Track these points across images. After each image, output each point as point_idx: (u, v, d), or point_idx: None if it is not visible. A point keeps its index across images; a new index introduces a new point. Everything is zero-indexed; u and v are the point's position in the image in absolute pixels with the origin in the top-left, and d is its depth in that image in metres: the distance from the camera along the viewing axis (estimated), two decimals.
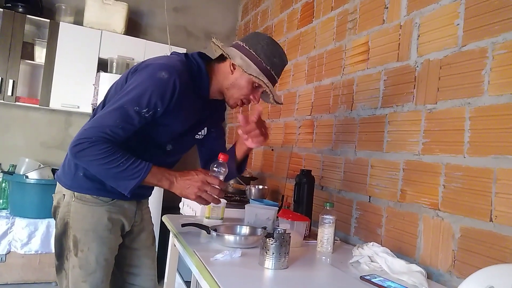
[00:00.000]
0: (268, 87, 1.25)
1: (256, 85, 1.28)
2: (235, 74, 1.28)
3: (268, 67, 1.27)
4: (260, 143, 1.32)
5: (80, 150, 1.09)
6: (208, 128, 1.44)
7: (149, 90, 1.14)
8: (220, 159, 1.28)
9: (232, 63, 1.27)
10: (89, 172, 1.23)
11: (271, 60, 1.27)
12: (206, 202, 1.25)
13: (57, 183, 1.32)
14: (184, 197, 1.24)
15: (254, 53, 1.26)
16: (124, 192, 1.15)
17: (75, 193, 1.25)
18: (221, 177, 1.27)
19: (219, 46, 1.26)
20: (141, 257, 1.45)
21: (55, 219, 1.31)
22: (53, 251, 3.04)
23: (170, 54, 1.34)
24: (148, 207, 1.52)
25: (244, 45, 1.28)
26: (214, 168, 1.27)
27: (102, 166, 1.11)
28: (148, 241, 1.48)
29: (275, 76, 1.30)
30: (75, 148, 1.10)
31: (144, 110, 1.14)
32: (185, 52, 1.33)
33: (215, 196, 1.25)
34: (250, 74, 1.22)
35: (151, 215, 1.55)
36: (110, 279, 1.36)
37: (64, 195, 1.27)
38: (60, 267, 1.29)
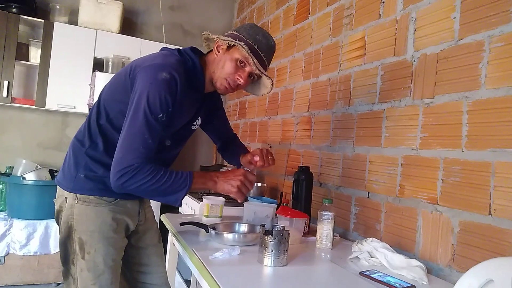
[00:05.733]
0: (244, 49, 1.23)
1: (241, 63, 1.27)
2: (219, 56, 1.30)
3: (250, 41, 1.27)
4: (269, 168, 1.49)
5: (126, 180, 1.10)
6: (208, 119, 1.52)
7: (158, 95, 1.14)
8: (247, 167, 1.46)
9: (216, 47, 1.31)
10: (90, 173, 1.23)
11: (254, 37, 1.28)
12: (243, 196, 1.30)
13: (58, 187, 1.31)
14: (226, 192, 1.29)
15: (235, 32, 1.30)
16: (175, 204, 1.20)
17: (77, 195, 1.24)
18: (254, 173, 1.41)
19: (206, 34, 1.31)
20: (149, 256, 1.45)
21: (58, 224, 1.29)
22: (52, 252, 3.02)
23: (161, 50, 1.33)
24: (150, 206, 1.52)
25: (229, 32, 1.32)
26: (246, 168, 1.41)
27: (152, 187, 1.13)
28: (154, 239, 1.48)
29: (259, 51, 1.28)
30: (120, 180, 1.10)
31: (161, 115, 1.15)
32: (178, 48, 1.32)
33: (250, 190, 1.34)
34: (225, 39, 1.26)
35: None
36: (121, 280, 1.36)
37: (66, 198, 1.25)
38: (66, 273, 1.27)
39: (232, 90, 1.33)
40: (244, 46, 1.23)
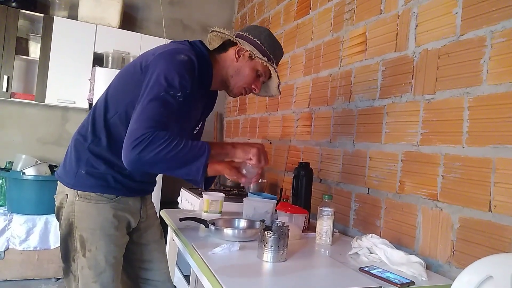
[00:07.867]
0: (277, 73, 1.32)
1: (259, 73, 1.34)
2: (240, 62, 1.32)
3: (271, 56, 1.33)
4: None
5: (142, 149, 1.02)
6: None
7: (175, 73, 1.13)
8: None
9: (237, 51, 1.31)
10: (92, 169, 1.21)
11: (274, 50, 1.35)
12: (262, 164, 1.28)
13: (59, 183, 1.29)
14: (244, 158, 1.26)
15: (259, 42, 1.31)
16: (197, 174, 1.10)
17: (78, 191, 1.22)
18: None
19: (226, 34, 1.29)
20: (151, 252, 1.44)
21: (59, 220, 1.28)
22: (52, 247, 3.01)
23: (169, 43, 1.31)
24: (152, 202, 1.51)
25: (247, 35, 1.32)
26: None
27: (171, 153, 1.05)
28: (156, 236, 1.47)
29: (275, 66, 1.36)
30: (135, 149, 1.02)
31: (178, 94, 1.12)
32: (187, 40, 1.31)
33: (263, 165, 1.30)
34: (262, 60, 1.27)
35: None
36: (123, 276, 1.35)
37: (67, 194, 1.24)
38: (67, 270, 1.26)
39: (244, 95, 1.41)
40: (275, 67, 1.30)
